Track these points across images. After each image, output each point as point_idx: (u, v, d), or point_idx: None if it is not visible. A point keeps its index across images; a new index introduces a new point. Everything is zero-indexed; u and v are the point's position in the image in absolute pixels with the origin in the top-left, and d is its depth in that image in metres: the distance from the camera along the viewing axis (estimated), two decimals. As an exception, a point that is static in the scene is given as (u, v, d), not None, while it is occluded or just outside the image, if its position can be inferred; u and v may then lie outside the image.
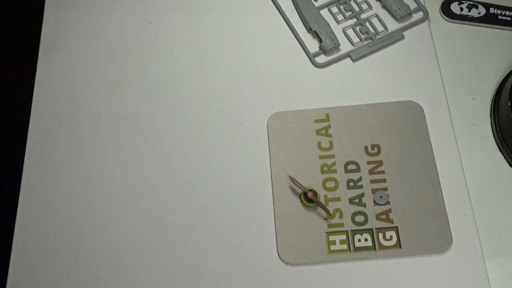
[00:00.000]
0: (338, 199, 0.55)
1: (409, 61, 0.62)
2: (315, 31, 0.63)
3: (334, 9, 0.66)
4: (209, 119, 0.60)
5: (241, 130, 0.59)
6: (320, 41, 0.63)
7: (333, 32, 0.63)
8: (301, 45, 0.64)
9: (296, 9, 0.66)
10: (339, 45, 0.63)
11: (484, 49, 0.64)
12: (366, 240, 0.53)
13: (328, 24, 0.64)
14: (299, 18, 0.66)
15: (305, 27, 0.65)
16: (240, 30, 0.65)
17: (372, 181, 0.56)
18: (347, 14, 0.66)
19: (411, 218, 0.54)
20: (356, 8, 0.66)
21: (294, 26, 0.65)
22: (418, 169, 0.56)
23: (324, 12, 0.66)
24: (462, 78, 0.62)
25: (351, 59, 0.63)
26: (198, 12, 0.67)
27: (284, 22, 0.66)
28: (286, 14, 0.66)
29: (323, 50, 0.63)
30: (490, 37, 0.65)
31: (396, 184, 0.56)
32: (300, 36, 0.64)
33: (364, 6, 0.66)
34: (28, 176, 0.58)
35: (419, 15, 0.65)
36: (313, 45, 0.64)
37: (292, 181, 0.55)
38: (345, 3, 0.66)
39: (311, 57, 0.63)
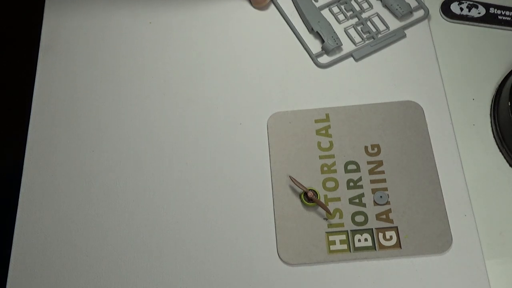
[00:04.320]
0: (338, 199, 0.55)
1: (409, 61, 0.62)
2: (316, 31, 0.63)
3: (335, 9, 0.66)
4: (209, 119, 0.60)
5: (241, 130, 0.59)
6: (322, 41, 0.63)
7: (335, 32, 0.63)
8: (303, 46, 0.64)
9: (297, 10, 0.66)
10: (341, 45, 0.63)
11: (484, 49, 0.64)
12: (366, 240, 0.53)
13: (330, 24, 0.64)
14: (300, 19, 0.66)
15: (307, 27, 0.65)
16: (240, 30, 0.65)
17: (372, 181, 0.56)
18: (348, 14, 0.66)
19: (411, 218, 0.54)
20: (357, 8, 0.66)
21: (296, 27, 0.65)
22: (418, 169, 0.56)
23: (325, 12, 0.66)
24: (462, 78, 0.62)
25: (354, 58, 0.63)
26: (198, 12, 0.67)
27: (285, 23, 0.66)
28: (287, 14, 0.66)
29: (325, 51, 0.63)
30: (490, 37, 0.65)
31: (396, 184, 0.56)
32: (302, 36, 0.64)
33: (365, 5, 0.66)
34: (28, 176, 0.58)
35: (419, 13, 0.65)
36: (315, 46, 0.64)
37: (292, 180, 0.55)
38: (346, 3, 0.66)
39: (314, 57, 0.63)
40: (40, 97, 0.62)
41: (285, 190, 0.56)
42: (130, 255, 0.54)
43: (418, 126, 0.58)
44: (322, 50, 0.63)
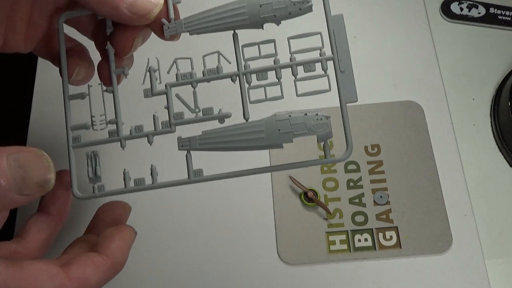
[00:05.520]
0: (338, 199, 0.55)
1: (409, 61, 0.62)
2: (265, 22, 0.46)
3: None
4: (209, 119, 0.60)
5: (241, 130, 0.59)
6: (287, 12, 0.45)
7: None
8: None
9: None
10: None
11: (484, 49, 0.64)
12: (366, 240, 0.53)
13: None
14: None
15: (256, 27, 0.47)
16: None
17: (372, 181, 0.56)
18: None
19: (411, 218, 0.54)
20: None
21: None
22: (418, 169, 0.56)
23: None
24: (462, 78, 0.62)
25: None
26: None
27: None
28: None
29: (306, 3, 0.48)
30: (490, 37, 0.65)
31: (396, 184, 0.56)
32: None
33: None
34: (28, 176, 0.58)
35: None
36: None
37: (292, 180, 0.55)
38: None
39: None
40: (40, 97, 0.62)
41: (285, 190, 0.56)
42: (129, 255, 0.54)
43: (418, 126, 0.58)
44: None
